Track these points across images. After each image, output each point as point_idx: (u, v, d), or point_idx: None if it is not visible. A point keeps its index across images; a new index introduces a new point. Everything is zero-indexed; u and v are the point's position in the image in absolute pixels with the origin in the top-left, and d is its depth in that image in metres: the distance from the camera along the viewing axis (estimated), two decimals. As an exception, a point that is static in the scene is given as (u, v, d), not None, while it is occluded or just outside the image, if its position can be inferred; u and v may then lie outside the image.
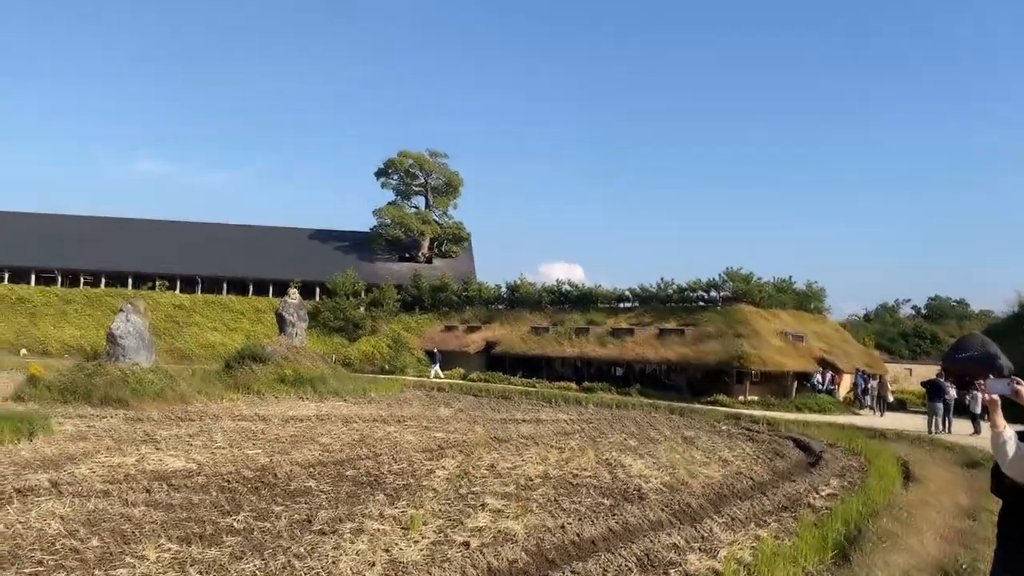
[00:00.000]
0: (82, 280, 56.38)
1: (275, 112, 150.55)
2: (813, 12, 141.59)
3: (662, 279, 41.27)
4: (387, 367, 43.80)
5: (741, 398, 31.29)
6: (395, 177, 61.95)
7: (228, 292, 56.55)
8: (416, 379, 39.37)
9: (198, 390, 25.89)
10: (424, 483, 11.64)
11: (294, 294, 35.59)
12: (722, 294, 38.75)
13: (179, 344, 49.99)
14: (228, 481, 11.09)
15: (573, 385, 35.63)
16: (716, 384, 33.18)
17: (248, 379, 29.83)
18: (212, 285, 56.92)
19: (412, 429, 19.13)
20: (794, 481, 13.21)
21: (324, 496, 10.33)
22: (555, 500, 10.70)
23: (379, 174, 61.94)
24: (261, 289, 56.55)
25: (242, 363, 31.44)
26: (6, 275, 55.09)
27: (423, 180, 62.45)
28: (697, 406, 29.04)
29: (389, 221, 59.98)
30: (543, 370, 39.79)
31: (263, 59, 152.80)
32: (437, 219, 62.55)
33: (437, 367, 41.84)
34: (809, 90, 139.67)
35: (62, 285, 55.50)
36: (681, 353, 34.30)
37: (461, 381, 39.28)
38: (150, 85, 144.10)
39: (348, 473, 12.32)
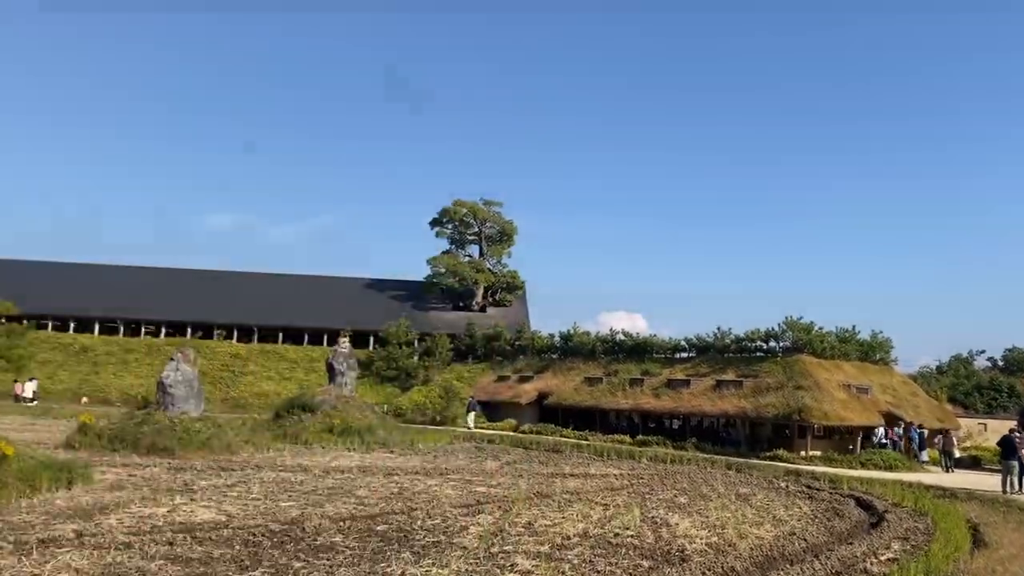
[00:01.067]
0: (143, 330, 57.87)
1: (337, 165, 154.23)
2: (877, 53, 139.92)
3: (719, 328, 40.42)
4: (437, 418, 43.57)
5: (802, 453, 30.12)
6: (449, 226, 62.57)
7: (283, 341, 57.40)
8: (467, 430, 39.02)
9: (245, 439, 25.99)
10: (455, 540, 11.27)
11: (344, 343, 35.80)
12: (782, 344, 37.65)
13: (234, 393, 50.72)
14: (254, 534, 10.90)
15: (627, 438, 34.85)
16: (776, 438, 32.10)
17: (296, 429, 29.93)
18: (268, 334, 57.88)
19: (453, 482, 18.77)
20: (851, 544, 12.44)
21: (348, 553, 10.04)
22: (590, 561, 10.21)
23: (433, 223, 62.70)
24: (316, 338, 57.20)
25: (291, 412, 31.64)
26: (71, 325, 56.87)
27: (477, 229, 62.92)
28: (755, 461, 28.06)
29: (443, 270, 60.44)
30: (596, 422, 39.08)
31: (326, 114, 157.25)
32: (491, 268, 62.79)
33: (472, 415, 41.51)
34: (877, 133, 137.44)
35: (124, 335, 57.03)
36: (739, 406, 33.30)
37: (511, 433, 38.78)
38: (222, 142, 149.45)
39: (379, 528, 12.02)
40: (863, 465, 27.78)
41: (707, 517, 14.91)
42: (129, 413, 26.26)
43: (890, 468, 27.19)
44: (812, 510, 17.05)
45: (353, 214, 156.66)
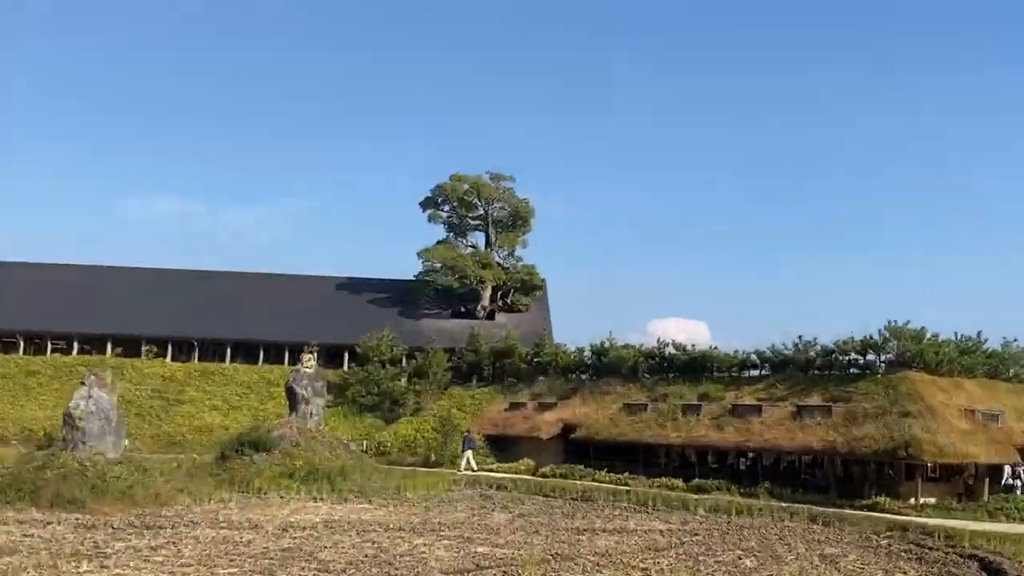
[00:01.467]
0: (50, 346, 58.16)
1: (306, 140, 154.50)
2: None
3: (800, 338, 40.17)
4: (432, 457, 43.61)
5: (911, 501, 29.89)
6: (446, 208, 62.68)
7: (233, 360, 57.58)
8: (469, 473, 39.05)
9: (180, 488, 26.18)
10: (443, 618, 11.24)
11: (309, 362, 36.11)
12: (884, 357, 37.43)
13: (168, 427, 50.93)
14: (178, 612, 10.91)
15: (678, 482, 34.71)
16: (876, 481, 31.87)
17: (247, 473, 30.12)
18: (213, 351, 58.07)
19: (448, 541, 18.80)
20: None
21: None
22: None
23: (426, 204, 62.72)
24: (276, 355, 57.37)
25: (240, 452, 31.81)
26: (-46, 341, 57.37)
27: (483, 211, 63.00)
28: (848, 512, 27.88)
29: (438, 265, 60.50)
30: (639, 462, 38.95)
31: (294, 74, 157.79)
32: (501, 261, 62.76)
33: (469, 454, 41.63)
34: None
35: (24, 352, 57.38)
36: (826, 439, 33.06)
37: (529, 477, 38.74)
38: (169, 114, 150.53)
39: (344, 603, 12.02)
40: (991, 515, 27.54)
41: (779, 586, 14.84)
42: (28, 455, 26.48)
43: (1029, 519, 26.99)
44: (920, 576, 16.96)
45: (325, 199, 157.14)
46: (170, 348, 58.10)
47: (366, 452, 44.02)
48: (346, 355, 56.01)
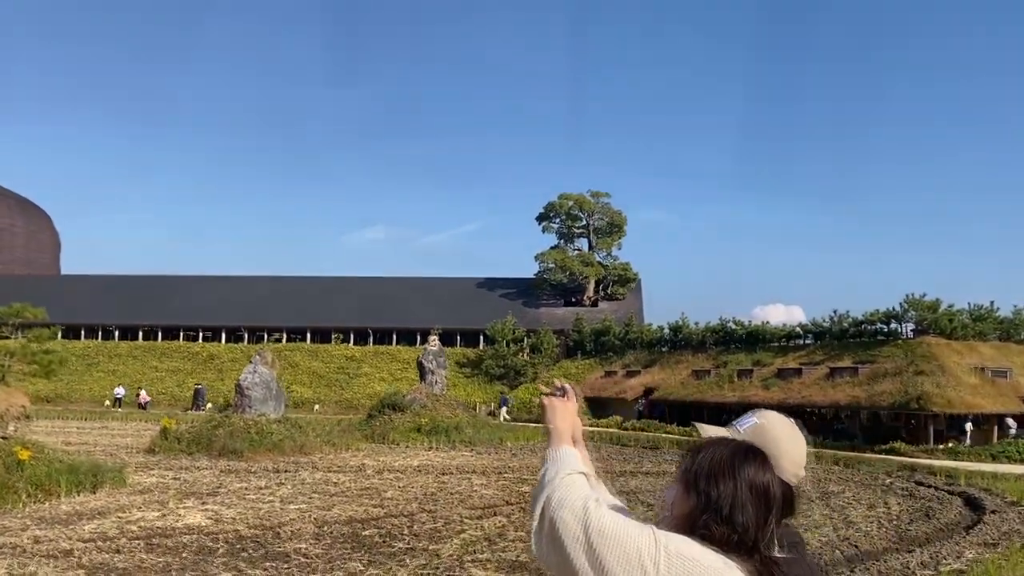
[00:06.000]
0: (266, 336, 59.93)
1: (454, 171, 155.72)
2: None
3: (835, 311, 37.31)
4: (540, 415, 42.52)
5: (922, 446, 27.04)
6: (556, 220, 61.32)
7: (397, 342, 57.93)
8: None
9: (328, 440, 25.79)
10: (434, 547, 10.16)
11: (434, 342, 35.61)
12: (907, 326, 34.29)
13: (347, 394, 51.63)
14: (216, 540, 10.19)
15: (732, 432, 32.61)
16: (896, 430, 29.05)
17: (384, 428, 29.73)
18: (383, 336, 58.61)
19: (505, 482, 17.64)
20: (911, 551, 10.43)
21: (296, 562, 9.14)
22: (567, 573, 8.85)
23: (540, 218, 61.53)
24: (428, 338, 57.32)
25: (382, 412, 31.49)
26: (201, 335, 59.73)
27: (585, 222, 61.36)
28: (869, 455, 25.34)
29: (552, 265, 59.22)
30: (704, 417, 36.86)
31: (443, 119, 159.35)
32: (601, 261, 61.00)
33: (504, 410, 41.29)
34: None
35: (248, 342, 59.23)
36: (852, 394, 30.37)
37: (615, 430, 37.15)
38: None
39: (365, 533, 11.08)
40: (994, 458, 24.55)
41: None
42: (210, 416, 26.69)
43: (1028, 461, 23.88)
44: (901, 510, 14.88)
45: (477, 226, 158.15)
46: (352, 335, 58.93)
47: (491, 412, 43.37)
48: (481, 337, 55.57)
